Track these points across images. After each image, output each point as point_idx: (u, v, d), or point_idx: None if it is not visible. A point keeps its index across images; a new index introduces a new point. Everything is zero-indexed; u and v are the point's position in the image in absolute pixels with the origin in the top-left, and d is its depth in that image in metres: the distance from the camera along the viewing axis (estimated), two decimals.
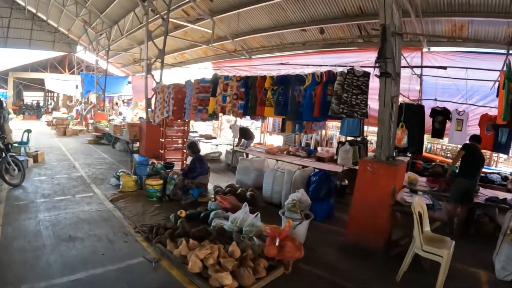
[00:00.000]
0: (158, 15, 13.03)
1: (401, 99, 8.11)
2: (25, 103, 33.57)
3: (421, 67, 9.63)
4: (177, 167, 10.06)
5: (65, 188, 8.30)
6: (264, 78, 7.45)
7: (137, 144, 13.36)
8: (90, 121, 20.94)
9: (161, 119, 10.42)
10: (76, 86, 27.10)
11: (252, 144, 12.53)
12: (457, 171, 7.05)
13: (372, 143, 12.23)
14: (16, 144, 11.23)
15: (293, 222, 5.39)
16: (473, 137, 7.09)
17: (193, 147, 8.22)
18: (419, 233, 4.58)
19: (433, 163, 10.24)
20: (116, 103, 28.54)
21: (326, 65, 8.97)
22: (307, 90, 6.60)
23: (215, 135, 16.96)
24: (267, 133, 17.37)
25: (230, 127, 12.63)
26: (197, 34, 15.89)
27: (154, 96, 10.97)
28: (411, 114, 8.10)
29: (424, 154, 11.46)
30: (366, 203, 5.77)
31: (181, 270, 4.56)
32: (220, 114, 9.07)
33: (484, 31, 8.98)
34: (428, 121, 8.96)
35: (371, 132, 13.11)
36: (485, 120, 8.59)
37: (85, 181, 9.09)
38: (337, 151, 9.58)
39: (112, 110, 24.32)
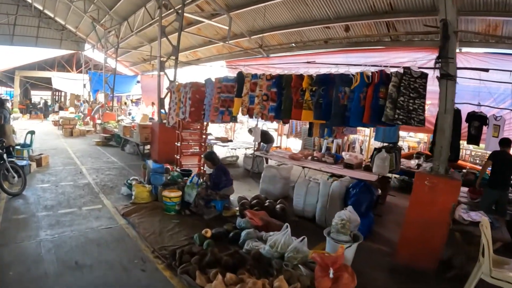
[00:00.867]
0: (172, 10, 12.14)
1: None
2: (32, 102, 33.27)
3: (466, 69, 8.73)
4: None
5: (70, 198, 7.38)
6: (301, 77, 6.50)
7: (148, 147, 12.64)
8: (98, 121, 20.13)
9: (176, 121, 9.49)
10: (84, 85, 26.49)
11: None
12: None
13: (403, 149, 11.37)
14: (18, 147, 10.43)
15: (339, 244, 4.67)
16: (503, 141, 6.69)
17: (213, 158, 7.23)
18: (489, 258, 3.86)
19: (464, 171, 9.59)
20: (125, 103, 27.75)
21: (351, 65, 8.11)
22: (355, 92, 5.68)
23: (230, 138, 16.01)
24: (284, 136, 16.40)
25: (250, 130, 11.68)
26: (211, 31, 15.09)
27: (169, 95, 10.03)
28: None
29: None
30: (421, 221, 5.15)
31: None
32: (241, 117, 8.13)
33: None
34: (463, 126, 8.11)
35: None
36: None
37: (93, 189, 8.16)
38: (371, 158, 8.77)
39: (120, 110, 23.47)
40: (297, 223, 6.56)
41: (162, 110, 11.61)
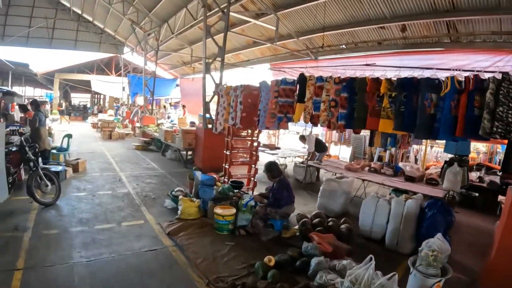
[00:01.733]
0: (217, 9, 11.42)
1: None
2: (72, 104, 33.84)
3: None
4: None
5: (108, 210, 6.61)
6: (377, 80, 5.57)
7: (190, 152, 11.86)
8: (137, 124, 19.76)
9: (225, 127, 8.66)
10: (123, 88, 26.50)
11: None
12: None
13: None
14: (54, 151, 9.86)
15: (429, 279, 3.92)
16: None
17: (274, 170, 6.25)
18: None
19: None
20: (164, 106, 27.38)
21: (407, 67, 7.40)
22: (445, 100, 4.74)
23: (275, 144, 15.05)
24: (331, 143, 15.36)
25: (302, 137, 10.70)
26: (255, 33, 14.33)
27: (215, 99, 9.21)
28: None
29: None
30: None
31: None
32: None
33: None
34: None
35: None
36: None
37: (133, 201, 7.37)
38: (441, 172, 7.86)
39: (159, 113, 23.06)
40: (364, 246, 5.79)
41: (207, 115, 10.86)
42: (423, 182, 7.89)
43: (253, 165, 8.43)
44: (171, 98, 28.98)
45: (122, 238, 5.36)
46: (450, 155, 8.88)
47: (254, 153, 8.52)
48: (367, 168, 9.34)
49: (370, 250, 5.22)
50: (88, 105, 37.14)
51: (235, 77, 16.80)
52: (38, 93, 42.23)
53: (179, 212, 6.32)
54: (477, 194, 8.96)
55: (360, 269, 3.96)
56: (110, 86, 29.18)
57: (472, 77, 4.59)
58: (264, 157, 10.38)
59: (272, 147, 12.25)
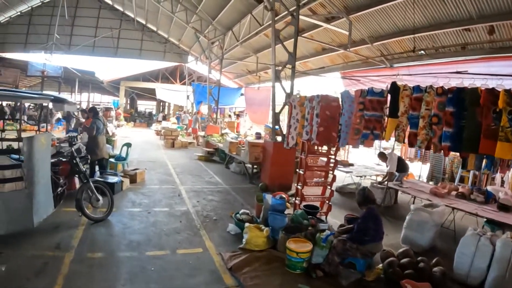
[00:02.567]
0: (286, 12, 10.62)
1: None
2: (138, 110, 34.91)
3: None
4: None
5: (163, 232, 5.85)
6: (493, 92, 4.43)
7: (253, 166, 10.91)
8: (201, 133, 19.34)
9: (298, 142, 7.67)
10: (187, 97, 26.55)
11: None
12: None
13: None
14: (112, 160, 9.40)
15: None
16: None
17: (367, 197, 5.11)
18: None
19: None
20: (229, 115, 27.06)
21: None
22: None
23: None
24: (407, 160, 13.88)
25: (381, 155, 9.43)
26: (325, 39, 13.37)
27: (288, 110, 8.26)
28: None
29: None
30: None
31: None
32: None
33: None
34: None
35: None
36: None
37: (192, 222, 6.54)
38: None
39: (223, 123, 22.65)
40: None
41: (276, 126, 9.99)
42: None
43: (329, 187, 7.33)
44: (235, 107, 28.74)
45: (176, 271, 4.55)
46: None
47: (330, 173, 7.39)
48: (453, 193, 8.10)
49: None
50: (154, 112, 37.97)
51: (303, 87, 15.95)
52: (105, 99, 44.08)
53: (244, 240, 5.41)
54: None
55: None
56: (175, 94, 29.62)
57: None
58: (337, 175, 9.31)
59: (345, 163, 11.02)
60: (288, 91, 9.84)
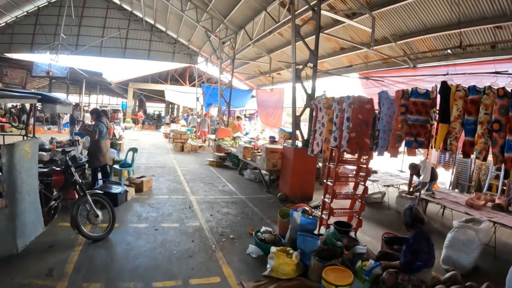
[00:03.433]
0: (306, 7, 9.83)
1: None
2: (147, 113, 34.60)
3: None
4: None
5: (173, 255, 5.00)
6: None
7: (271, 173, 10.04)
8: (211, 136, 18.56)
9: (324, 149, 6.82)
10: (197, 99, 25.87)
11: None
12: None
13: None
14: (116, 166, 8.66)
15: None
16: None
17: (416, 217, 4.22)
18: None
19: None
20: (239, 117, 26.25)
21: None
22: None
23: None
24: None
25: (413, 167, 8.44)
26: (344, 37, 12.46)
27: (314, 114, 7.39)
28: None
29: None
30: None
31: None
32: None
33: None
34: None
35: None
36: None
37: (207, 241, 5.66)
38: None
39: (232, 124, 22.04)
40: None
41: (297, 131, 9.17)
42: None
43: (358, 200, 6.48)
44: (246, 109, 28.12)
45: None
46: None
47: (361, 184, 6.52)
48: (489, 204, 7.36)
49: None
50: (163, 114, 37.52)
51: (320, 88, 15.05)
52: (113, 101, 43.74)
53: (269, 266, 4.54)
54: None
55: None
56: (184, 96, 29.06)
57: None
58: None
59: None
60: (310, 92, 9.05)
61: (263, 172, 10.29)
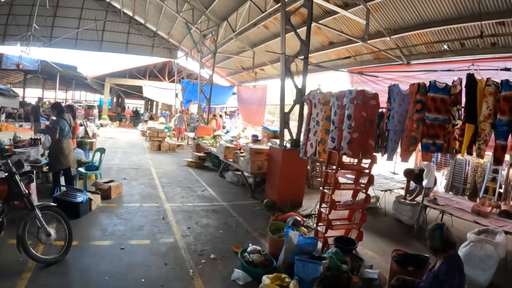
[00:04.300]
0: None
1: None
2: (125, 109, 33.91)
3: None
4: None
5: (140, 284, 4.06)
6: None
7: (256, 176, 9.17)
8: (190, 134, 17.65)
9: (320, 151, 5.98)
10: (176, 95, 25.08)
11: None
12: None
13: None
14: (82, 170, 7.67)
15: None
16: None
17: (448, 240, 3.29)
18: None
19: None
20: (220, 115, 25.39)
21: None
22: None
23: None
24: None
25: (408, 173, 7.59)
26: (332, 31, 11.84)
27: (307, 110, 6.50)
28: None
29: None
30: None
31: None
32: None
33: None
34: None
35: None
36: None
37: (183, 263, 4.68)
38: None
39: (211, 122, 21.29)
40: None
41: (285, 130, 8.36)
42: None
43: (360, 209, 5.63)
44: (226, 107, 27.33)
45: None
46: None
47: (363, 191, 5.63)
48: (494, 210, 6.92)
49: None
50: (142, 111, 36.61)
51: (310, 85, 14.44)
52: (90, 97, 42.58)
53: None
54: None
55: None
56: (163, 92, 28.09)
57: None
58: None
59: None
60: (300, 86, 8.26)
61: (246, 174, 9.40)
